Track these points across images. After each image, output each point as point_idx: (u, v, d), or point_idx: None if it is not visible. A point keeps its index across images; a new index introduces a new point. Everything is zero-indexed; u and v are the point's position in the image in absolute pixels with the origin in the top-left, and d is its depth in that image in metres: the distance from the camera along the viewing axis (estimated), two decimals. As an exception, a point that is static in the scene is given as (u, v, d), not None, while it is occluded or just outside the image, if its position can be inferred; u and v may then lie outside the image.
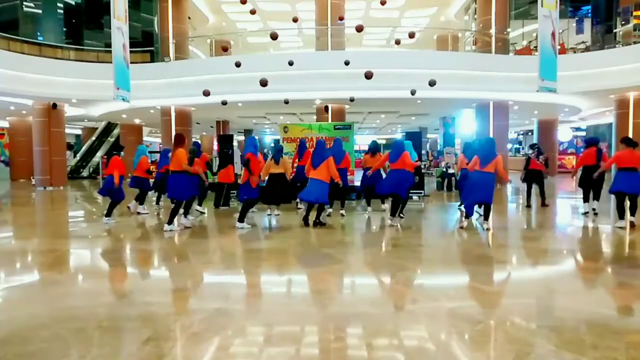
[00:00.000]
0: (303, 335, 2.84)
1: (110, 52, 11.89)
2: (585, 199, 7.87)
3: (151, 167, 9.17)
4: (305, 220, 6.92)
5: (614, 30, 17.64)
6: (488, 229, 6.44)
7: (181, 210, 6.90)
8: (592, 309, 3.25)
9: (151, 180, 8.96)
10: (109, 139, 24.65)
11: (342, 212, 8.18)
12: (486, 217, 6.59)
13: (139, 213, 8.51)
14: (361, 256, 5.13)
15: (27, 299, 3.59)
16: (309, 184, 6.98)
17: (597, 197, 7.88)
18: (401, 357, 2.48)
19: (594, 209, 7.88)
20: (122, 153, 7.85)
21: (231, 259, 5.03)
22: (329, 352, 2.55)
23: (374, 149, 8.50)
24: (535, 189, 9.19)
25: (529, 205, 9.03)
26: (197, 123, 19.80)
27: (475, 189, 6.48)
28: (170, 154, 6.73)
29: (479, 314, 3.10)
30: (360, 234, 6.69)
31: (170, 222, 6.51)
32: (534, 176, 8.98)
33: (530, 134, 28.33)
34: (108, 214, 7.36)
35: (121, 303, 3.45)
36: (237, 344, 2.68)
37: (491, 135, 15.27)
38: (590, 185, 7.73)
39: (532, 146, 9.73)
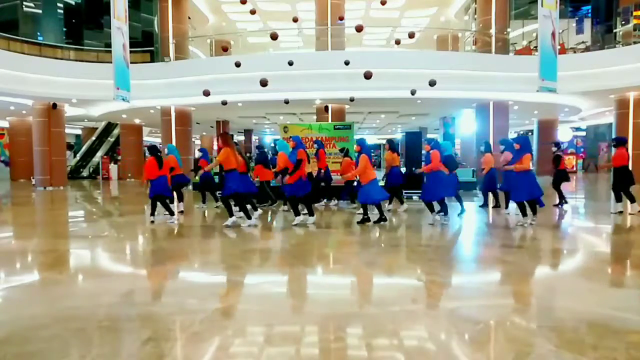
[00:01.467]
0: (303, 335, 2.84)
1: (110, 52, 11.90)
2: (619, 199, 7.79)
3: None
4: (384, 218, 7.02)
5: (614, 30, 17.65)
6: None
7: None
8: (592, 309, 3.24)
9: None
10: (109, 139, 24.67)
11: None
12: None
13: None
14: (361, 256, 5.12)
15: (27, 299, 3.59)
16: (375, 185, 6.90)
17: (632, 199, 7.70)
18: (401, 357, 2.48)
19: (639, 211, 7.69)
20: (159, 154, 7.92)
21: (232, 259, 5.03)
22: (329, 352, 2.55)
23: (396, 148, 8.65)
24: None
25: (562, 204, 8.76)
26: (197, 123, 19.80)
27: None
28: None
29: (479, 314, 3.10)
30: (361, 234, 6.68)
31: (249, 217, 6.80)
32: (563, 175, 8.78)
33: (530, 134, 28.31)
34: (171, 213, 7.62)
35: (121, 303, 3.45)
36: (237, 344, 2.68)
37: (491, 136, 15.30)
38: (622, 186, 7.65)
39: (557, 144, 9.23)
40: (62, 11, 21.51)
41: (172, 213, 7.64)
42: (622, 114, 15.13)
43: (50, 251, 5.47)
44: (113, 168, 22.35)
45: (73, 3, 21.86)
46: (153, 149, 7.64)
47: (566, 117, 21.11)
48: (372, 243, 5.92)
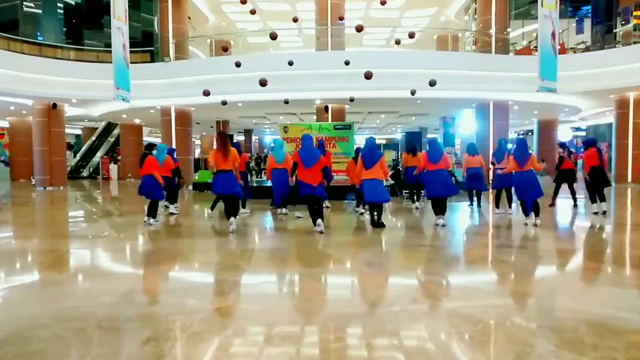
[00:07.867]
0: (303, 335, 2.84)
1: (110, 52, 11.90)
2: (593, 200, 7.86)
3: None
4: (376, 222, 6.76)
5: (614, 30, 17.64)
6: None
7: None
8: (592, 309, 3.24)
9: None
10: (109, 139, 24.66)
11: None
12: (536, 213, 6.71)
13: (171, 214, 8.58)
14: (361, 256, 5.12)
15: (27, 299, 3.59)
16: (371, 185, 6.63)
17: (602, 198, 7.80)
18: (401, 357, 2.48)
19: (604, 211, 7.78)
20: (154, 152, 7.63)
21: (231, 259, 5.02)
22: (329, 352, 2.55)
23: (414, 149, 8.96)
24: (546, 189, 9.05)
25: (553, 204, 8.78)
26: (197, 123, 19.80)
27: None
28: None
29: (479, 314, 3.10)
30: (360, 234, 6.68)
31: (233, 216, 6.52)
32: (567, 176, 8.74)
33: (530, 134, 28.31)
34: (152, 215, 7.24)
35: (121, 303, 3.45)
36: (237, 344, 2.68)
37: (491, 135, 15.29)
38: (597, 186, 7.72)
39: (562, 145, 9.22)
40: (62, 11, 21.52)
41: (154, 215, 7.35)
42: (622, 114, 15.13)
43: (50, 251, 5.47)
44: (113, 168, 22.34)
45: (73, 3, 21.87)
46: (150, 146, 7.61)
47: (566, 117, 21.11)
48: (370, 243, 5.92)
